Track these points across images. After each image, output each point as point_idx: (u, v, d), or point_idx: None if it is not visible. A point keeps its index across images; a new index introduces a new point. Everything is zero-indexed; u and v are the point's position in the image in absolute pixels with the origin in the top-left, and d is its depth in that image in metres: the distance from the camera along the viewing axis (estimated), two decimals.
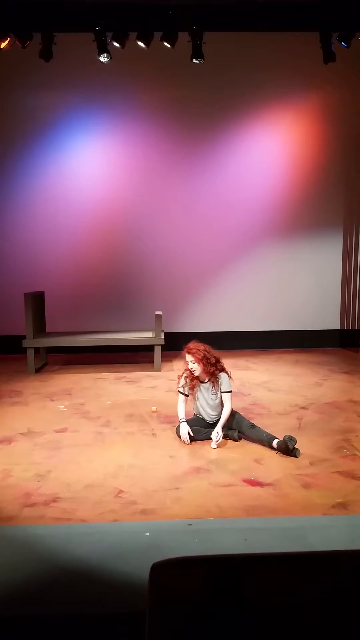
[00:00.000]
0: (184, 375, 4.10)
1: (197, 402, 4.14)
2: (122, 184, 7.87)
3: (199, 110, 7.77)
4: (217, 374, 4.03)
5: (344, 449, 3.86)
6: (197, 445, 3.95)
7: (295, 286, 8.16)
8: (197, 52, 6.77)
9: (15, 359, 7.11)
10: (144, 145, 7.84)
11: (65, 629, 2.04)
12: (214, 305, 8.09)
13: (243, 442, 4.00)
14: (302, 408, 4.92)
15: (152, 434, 4.26)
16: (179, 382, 4.15)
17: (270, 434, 3.91)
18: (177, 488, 3.22)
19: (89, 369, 6.77)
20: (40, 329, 7.00)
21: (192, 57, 6.81)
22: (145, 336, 6.85)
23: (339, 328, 8.29)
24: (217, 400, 4.06)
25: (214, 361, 4.02)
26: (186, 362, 4.04)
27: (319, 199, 8.04)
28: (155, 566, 1.20)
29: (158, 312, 6.80)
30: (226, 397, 4.04)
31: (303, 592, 1.20)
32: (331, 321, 8.27)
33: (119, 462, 3.65)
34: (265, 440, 3.89)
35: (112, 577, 2.27)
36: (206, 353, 3.99)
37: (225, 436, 4.02)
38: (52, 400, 5.33)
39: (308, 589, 1.21)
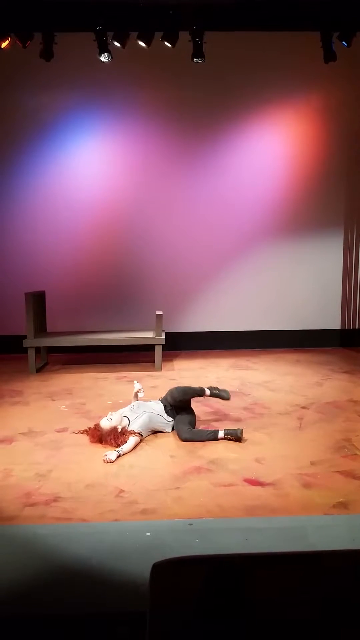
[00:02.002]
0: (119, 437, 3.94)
1: (157, 420, 4.18)
2: (122, 184, 7.87)
3: (199, 109, 7.77)
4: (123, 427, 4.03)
5: (345, 448, 3.86)
6: (198, 445, 3.95)
7: (296, 285, 8.16)
8: (197, 52, 6.77)
9: (16, 358, 7.11)
10: (144, 145, 7.84)
11: (65, 629, 2.04)
12: (214, 304, 8.09)
13: (244, 443, 3.99)
14: (303, 408, 4.91)
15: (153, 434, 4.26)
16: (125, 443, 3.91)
17: (212, 431, 4.08)
18: (178, 488, 3.22)
19: (90, 369, 6.77)
20: (41, 328, 7.00)
21: (193, 56, 6.81)
22: (146, 336, 6.85)
23: (339, 327, 8.29)
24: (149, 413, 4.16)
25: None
26: (108, 432, 3.93)
27: (320, 198, 8.04)
28: (156, 566, 1.20)
29: (159, 312, 6.80)
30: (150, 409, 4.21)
31: (304, 592, 1.20)
32: (332, 321, 8.27)
33: (119, 461, 3.65)
34: (211, 438, 4.02)
35: (113, 576, 2.27)
36: (99, 427, 3.99)
37: (229, 435, 4.02)
38: (52, 400, 5.33)
39: (309, 589, 1.21)
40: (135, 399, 4.46)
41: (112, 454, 3.69)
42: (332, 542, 2.59)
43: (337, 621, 1.19)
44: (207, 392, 4.32)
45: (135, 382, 4.62)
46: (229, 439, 4.01)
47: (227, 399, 4.41)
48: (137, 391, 4.49)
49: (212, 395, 4.36)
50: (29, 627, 2.03)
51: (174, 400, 4.20)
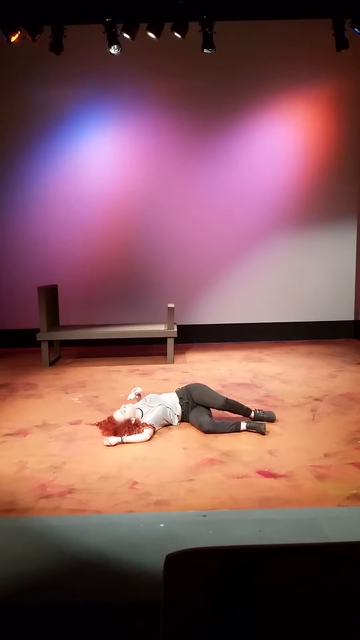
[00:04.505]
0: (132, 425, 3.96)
1: (168, 412, 4.18)
2: (133, 176, 7.86)
3: (210, 100, 7.72)
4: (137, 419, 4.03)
5: (359, 440, 3.84)
6: (210, 437, 3.96)
7: (309, 277, 8.11)
8: (207, 42, 6.71)
9: (30, 352, 7.17)
10: (155, 137, 7.81)
11: (80, 619, 2.07)
12: (226, 297, 8.07)
13: (257, 435, 3.99)
14: (316, 400, 4.90)
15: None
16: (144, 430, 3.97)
17: (235, 422, 4.05)
18: (191, 479, 3.23)
19: (103, 362, 6.81)
20: (54, 322, 7.04)
21: (203, 47, 6.75)
22: (158, 329, 6.86)
23: (353, 319, 8.23)
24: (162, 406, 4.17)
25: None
26: (122, 424, 3.95)
27: (332, 187, 7.96)
28: (170, 557, 1.21)
29: (170, 305, 6.80)
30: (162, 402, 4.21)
31: (317, 584, 1.20)
32: (345, 312, 8.21)
33: (133, 454, 3.67)
34: (233, 430, 4.01)
35: (127, 567, 2.28)
36: (113, 420, 3.99)
37: (252, 428, 4.02)
38: (66, 392, 5.37)
39: (322, 581, 1.21)
40: (138, 398, 4.42)
41: (113, 438, 3.81)
42: (345, 534, 2.58)
43: (350, 613, 1.19)
44: (243, 426, 4.04)
45: (135, 390, 4.49)
46: (252, 432, 4.01)
47: (263, 433, 3.97)
48: (138, 394, 4.44)
49: (249, 427, 4.03)
50: (44, 618, 2.06)
51: (204, 403, 4.20)
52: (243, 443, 3.84)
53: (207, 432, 4.01)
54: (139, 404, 4.21)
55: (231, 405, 4.19)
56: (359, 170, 7.99)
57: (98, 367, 6.51)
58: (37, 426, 4.32)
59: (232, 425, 4.03)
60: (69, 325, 7.40)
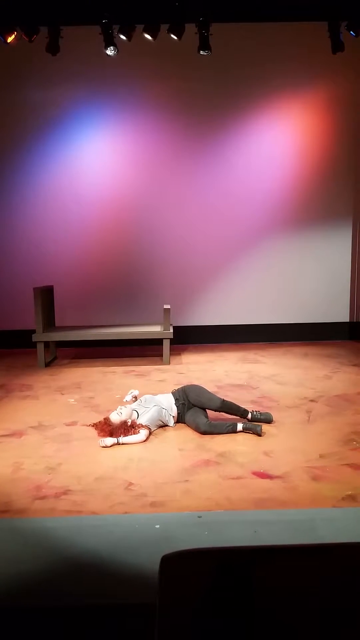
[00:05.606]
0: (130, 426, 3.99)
1: (164, 412, 4.19)
2: (130, 178, 7.85)
3: (206, 102, 7.73)
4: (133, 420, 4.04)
5: (354, 441, 3.85)
6: (206, 438, 3.96)
7: (304, 278, 8.12)
8: (204, 44, 6.72)
9: (26, 353, 7.15)
10: (151, 138, 7.81)
11: (76, 620, 2.06)
12: (222, 298, 8.08)
13: (252, 436, 3.99)
14: (312, 401, 4.91)
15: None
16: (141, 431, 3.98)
17: (231, 423, 4.06)
18: (187, 481, 3.24)
19: (98, 363, 6.80)
20: (49, 323, 7.03)
21: (199, 48, 6.76)
22: (154, 330, 6.86)
23: (348, 320, 8.25)
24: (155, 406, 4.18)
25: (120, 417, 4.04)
26: (118, 425, 3.96)
27: (328, 189, 7.98)
28: (165, 558, 1.21)
29: (166, 306, 6.80)
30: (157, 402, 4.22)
31: (312, 584, 1.21)
32: (341, 313, 8.23)
33: (128, 455, 3.67)
34: (230, 431, 4.02)
35: (123, 569, 2.28)
36: (109, 421, 4.01)
37: (248, 429, 4.02)
38: (62, 394, 5.37)
39: (318, 581, 1.21)
40: (134, 400, 4.43)
41: (108, 439, 3.82)
42: (341, 535, 2.59)
43: (346, 614, 1.19)
44: (240, 427, 4.04)
45: (131, 392, 4.54)
46: (248, 433, 4.02)
47: (260, 434, 3.97)
48: (135, 396, 4.47)
49: (245, 428, 4.04)
50: (39, 619, 2.05)
51: (200, 404, 4.20)
52: (239, 444, 3.85)
53: (204, 433, 4.02)
54: (134, 405, 4.21)
55: (228, 407, 4.19)
56: (355, 172, 8.02)
57: (94, 368, 6.51)
58: (32, 427, 4.32)
59: (229, 426, 4.03)
60: (64, 326, 7.38)
